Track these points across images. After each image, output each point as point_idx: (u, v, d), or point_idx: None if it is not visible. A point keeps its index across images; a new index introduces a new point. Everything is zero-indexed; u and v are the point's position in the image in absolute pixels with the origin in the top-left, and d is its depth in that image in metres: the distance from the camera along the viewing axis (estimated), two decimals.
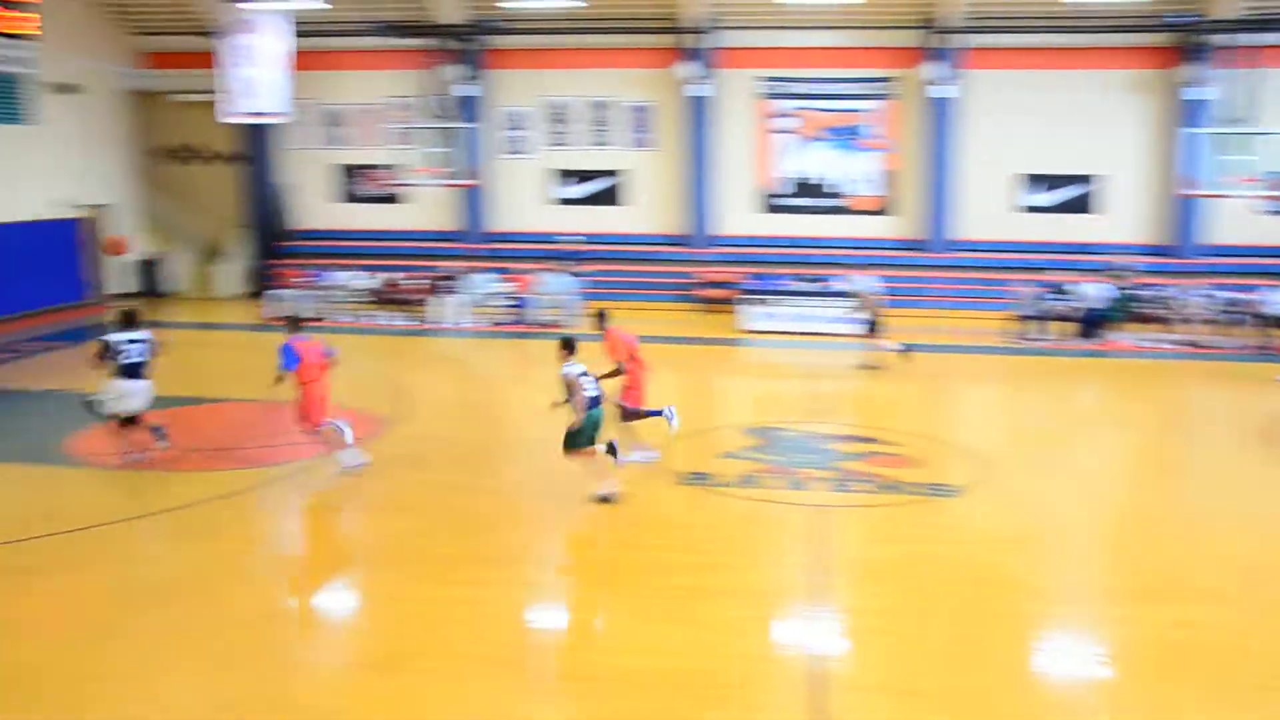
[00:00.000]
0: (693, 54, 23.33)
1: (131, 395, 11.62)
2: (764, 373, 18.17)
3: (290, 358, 11.22)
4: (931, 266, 23.39)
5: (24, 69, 21.38)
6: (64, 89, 22.80)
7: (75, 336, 20.43)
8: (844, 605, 8.38)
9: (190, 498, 10.79)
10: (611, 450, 10.71)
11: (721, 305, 22.63)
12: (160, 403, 12.81)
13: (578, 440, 10.62)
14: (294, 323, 11.82)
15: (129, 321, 11.85)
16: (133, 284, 25.44)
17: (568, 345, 10.70)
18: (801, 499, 10.78)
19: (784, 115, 24.15)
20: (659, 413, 11.79)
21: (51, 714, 6.58)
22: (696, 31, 23.12)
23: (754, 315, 21.17)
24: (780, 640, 7.92)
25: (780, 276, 22.39)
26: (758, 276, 22.55)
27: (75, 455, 12.29)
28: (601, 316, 12.20)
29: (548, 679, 7.25)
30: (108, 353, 11.56)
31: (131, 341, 11.67)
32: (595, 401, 10.56)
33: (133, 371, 11.60)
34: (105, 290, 24.72)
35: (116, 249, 12.45)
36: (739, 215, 24.54)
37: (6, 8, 19.24)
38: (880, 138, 23.93)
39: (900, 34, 23.07)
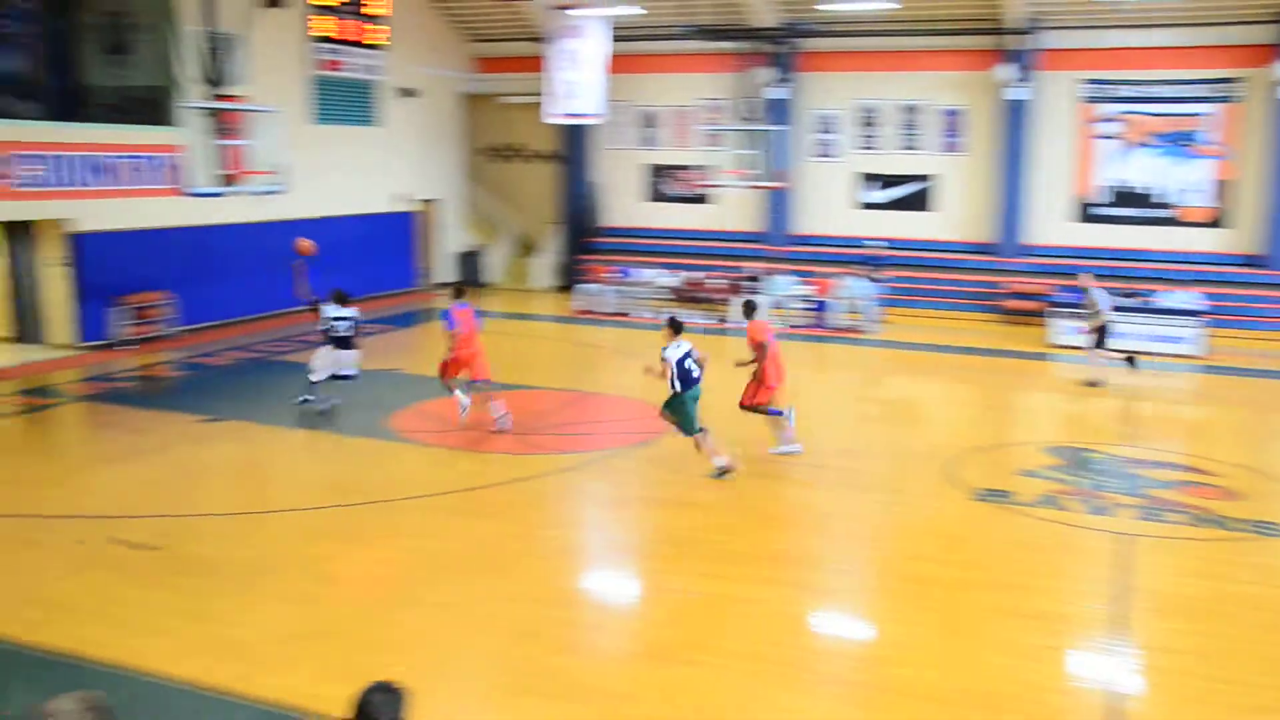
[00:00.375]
0: (1012, 56, 22.44)
1: (339, 363, 13.70)
2: (1071, 390, 17.28)
3: (451, 321, 12.88)
4: (1271, 285, 21.41)
5: (376, 76, 23.52)
6: (406, 93, 24.82)
7: (404, 321, 22.26)
8: (1146, 642, 7.87)
9: (492, 478, 11.55)
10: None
11: (1029, 318, 21.69)
12: (468, 386, 13.82)
13: (677, 411, 11.32)
14: (457, 290, 13.51)
15: (341, 301, 13.71)
16: (456, 274, 27.42)
17: (674, 326, 11.42)
18: (1105, 525, 10.21)
19: (1107, 120, 22.80)
20: (779, 412, 12.15)
21: (355, 671, 7.22)
22: (1017, 32, 22.21)
23: (1064, 329, 20.11)
24: (1074, 672, 7.56)
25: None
26: (1070, 289, 21.39)
27: (395, 431, 13.41)
28: (749, 306, 12.66)
29: (826, 684, 7.22)
30: (321, 322, 13.59)
31: (340, 319, 13.62)
32: (692, 381, 11.22)
33: (342, 343, 13.68)
34: (433, 279, 26.76)
35: (304, 250, 13.88)
36: (1052, 224, 23.38)
37: (366, 21, 21.21)
38: (1216, 144, 22.13)
39: (1246, 30, 21.20)
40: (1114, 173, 22.86)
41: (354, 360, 13.84)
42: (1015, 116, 22.75)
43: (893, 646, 7.77)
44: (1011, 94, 22.58)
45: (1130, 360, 16.68)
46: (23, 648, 7.38)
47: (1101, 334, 16.51)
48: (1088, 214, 23.18)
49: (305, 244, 13.79)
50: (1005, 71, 22.37)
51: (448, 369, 13.17)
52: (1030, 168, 23.06)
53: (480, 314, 13.36)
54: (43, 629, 7.62)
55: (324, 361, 13.72)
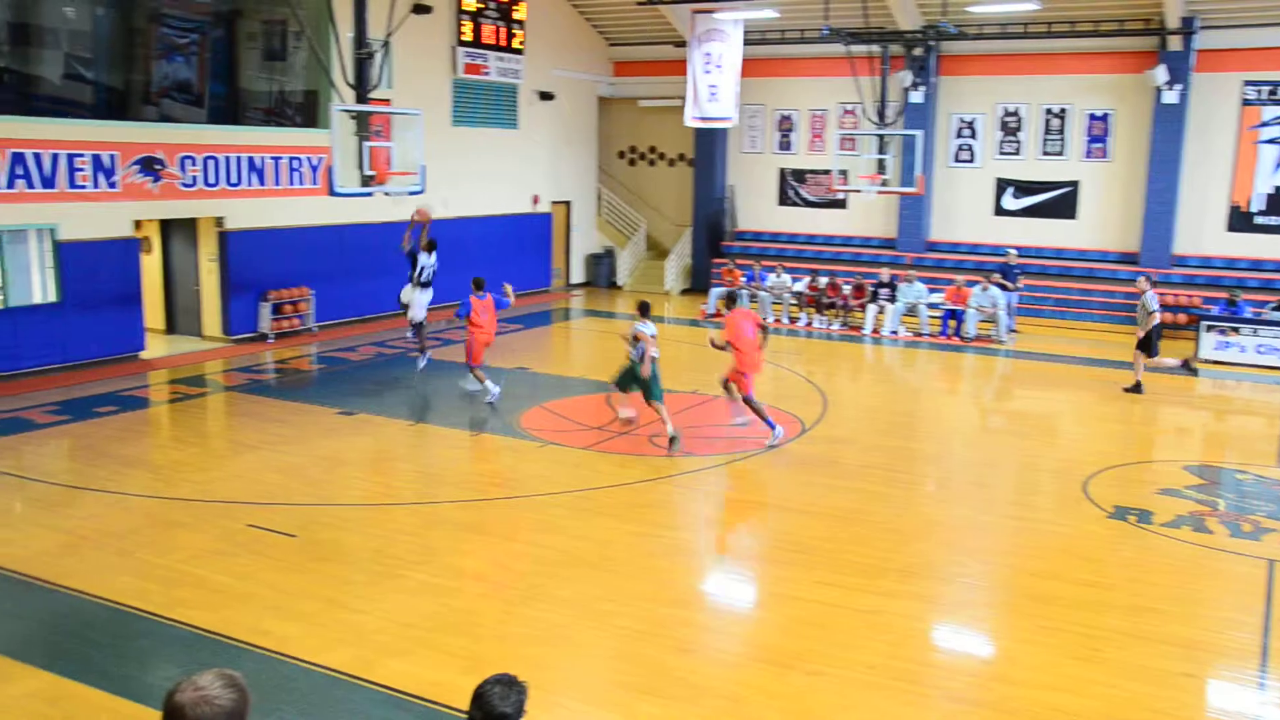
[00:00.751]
0: (1166, 57, 21.57)
1: (422, 301, 15.93)
2: (1219, 407, 16.56)
3: (465, 308, 14.50)
4: None
5: (515, 79, 23.99)
6: (544, 96, 25.20)
7: (536, 320, 22.58)
8: None
9: (618, 478, 11.64)
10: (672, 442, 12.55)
11: (1176, 331, 20.85)
12: (596, 387, 13.96)
13: (626, 381, 12.72)
14: (476, 283, 14.94)
15: (431, 249, 15.92)
16: (587, 275, 27.75)
17: (643, 308, 12.92)
18: (1251, 549, 9.74)
19: (1270, 123, 21.69)
20: (748, 399, 12.93)
21: (476, 662, 7.37)
22: (1172, 32, 21.32)
23: (1214, 344, 19.23)
24: (1213, 703, 7.22)
25: (1250, 303, 20.19)
26: (1224, 302, 20.43)
27: (523, 428, 13.63)
28: (730, 299, 13.54)
29: (946, 701, 7.04)
30: (415, 265, 15.77)
31: (427, 265, 15.90)
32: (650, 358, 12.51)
33: (427, 284, 15.92)
34: (566, 280, 27.12)
35: (422, 217, 14.88)
36: (1204, 233, 22.39)
37: (507, 26, 21.65)
38: None
39: None
40: (1276, 179, 21.75)
41: (428, 297, 16.12)
42: (1168, 120, 21.85)
43: (1018, 666, 7.54)
44: (1164, 97, 21.70)
45: (1186, 366, 17.14)
46: (168, 623, 7.76)
47: (1150, 338, 16.38)
48: (1245, 223, 22.12)
49: (424, 211, 15.56)
50: (1157, 74, 21.50)
51: (472, 354, 14.65)
52: (1183, 174, 22.13)
53: (500, 304, 14.88)
54: (186, 607, 8.01)
55: (412, 299, 15.98)
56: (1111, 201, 23.20)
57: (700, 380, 16.67)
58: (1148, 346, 16.37)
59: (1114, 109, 22.88)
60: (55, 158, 15.65)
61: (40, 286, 15.80)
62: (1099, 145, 23.15)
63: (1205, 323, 19.33)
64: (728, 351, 12.94)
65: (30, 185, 15.38)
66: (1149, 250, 22.39)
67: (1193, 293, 21.52)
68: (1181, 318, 21.05)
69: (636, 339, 12.56)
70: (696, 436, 13.58)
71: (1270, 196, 21.79)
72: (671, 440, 12.50)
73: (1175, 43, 21.43)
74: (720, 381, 13.34)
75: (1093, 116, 23.12)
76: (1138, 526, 10.35)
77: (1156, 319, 16.30)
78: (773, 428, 12.84)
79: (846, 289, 22.55)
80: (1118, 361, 18.88)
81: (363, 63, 14.39)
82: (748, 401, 12.88)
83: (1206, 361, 18.87)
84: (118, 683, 6.88)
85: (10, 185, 15.14)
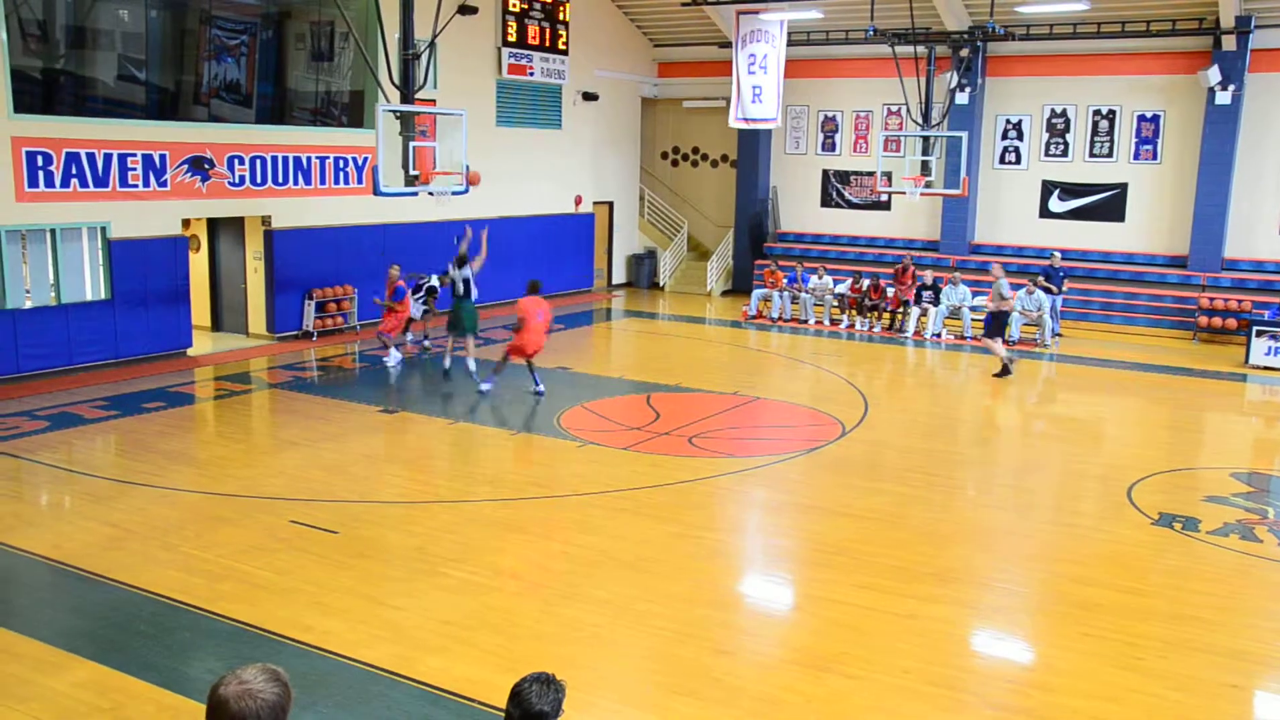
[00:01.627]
0: (1220, 57, 21.21)
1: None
2: (1269, 414, 16.26)
3: (400, 293, 17.16)
4: None
5: (559, 80, 24.07)
6: (588, 97, 25.27)
7: (577, 320, 22.64)
8: None
9: (657, 479, 11.64)
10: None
11: (1227, 336, 20.51)
12: (639, 387, 13.92)
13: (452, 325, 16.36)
14: (418, 286, 17.86)
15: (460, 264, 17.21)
16: (629, 275, 27.78)
17: (430, 291, 17.82)
18: None
19: None
20: (530, 374, 15.22)
21: (514, 660, 7.41)
22: (1227, 32, 20.96)
23: (1265, 350, 18.90)
24: (1261, 714, 7.11)
25: None
26: (1275, 307, 20.07)
27: (562, 428, 13.68)
28: (531, 286, 15.26)
29: (985, 709, 6.97)
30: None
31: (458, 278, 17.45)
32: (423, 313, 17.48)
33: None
34: (608, 280, 27.17)
35: (474, 181, 15.11)
36: (1256, 236, 22.00)
37: (552, 27, 21.69)
38: None
39: None
40: None
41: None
42: (1220, 121, 21.49)
43: (1058, 674, 7.45)
44: (1218, 98, 21.33)
45: (1006, 370, 17.44)
46: (211, 617, 7.87)
47: (997, 321, 17.79)
48: None
49: (475, 176, 15.92)
50: (1209, 74, 21.15)
51: (387, 327, 17.29)
52: (1235, 176, 21.77)
53: (417, 291, 17.84)
54: (229, 601, 8.12)
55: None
56: (1160, 204, 22.88)
57: (741, 382, 16.65)
58: (999, 330, 17.74)
59: (1164, 110, 22.55)
60: (108, 157, 15.92)
61: (92, 284, 16.10)
62: (1148, 147, 22.84)
63: (1256, 328, 19.00)
64: (517, 329, 14.92)
65: (83, 184, 15.67)
66: (1198, 253, 22.05)
67: (1243, 297, 21.19)
68: (1231, 322, 20.75)
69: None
70: (735, 439, 13.57)
71: None
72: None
73: (1229, 42, 21.07)
74: (502, 355, 15.42)
75: (1142, 118, 22.81)
76: (1183, 534, 10.21)
77: (1008, 306, 17.82)
78: (490, 382, 15.25)
79: (893, 291, 22.36)
80: (1164, 366, 18.66)
81: (408, 63, 14.50)
82: (505, 359, 15.21)
83: (1257, 368, 18.56)
84: (163, 674, 6.98)
85: (65, 184, 15.44)
